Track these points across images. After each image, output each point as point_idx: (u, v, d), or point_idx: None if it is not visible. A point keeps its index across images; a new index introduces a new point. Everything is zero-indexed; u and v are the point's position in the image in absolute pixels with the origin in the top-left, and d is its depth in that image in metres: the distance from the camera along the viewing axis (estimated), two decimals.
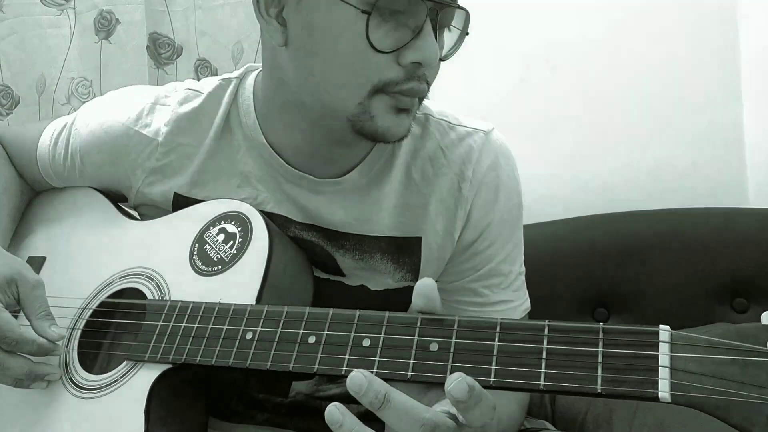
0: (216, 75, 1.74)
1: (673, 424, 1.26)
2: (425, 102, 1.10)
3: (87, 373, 0.95)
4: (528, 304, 1.11)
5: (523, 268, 1.11)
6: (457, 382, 0.64)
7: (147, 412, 0.84)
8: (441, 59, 0.93)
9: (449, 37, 0.95)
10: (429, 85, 0.94)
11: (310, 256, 1.04)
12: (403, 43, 0.88)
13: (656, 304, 1.65)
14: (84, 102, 1.76)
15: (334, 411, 0.67)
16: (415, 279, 1.05)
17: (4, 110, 1.78)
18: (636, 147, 1.83)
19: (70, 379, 0.95)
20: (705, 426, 1.17)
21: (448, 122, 1.07)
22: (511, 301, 1.08)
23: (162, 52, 1.80)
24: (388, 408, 0.66)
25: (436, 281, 1.07)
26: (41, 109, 1.79)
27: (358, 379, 0.67)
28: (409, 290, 1.04)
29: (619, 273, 1.68)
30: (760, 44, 1.76)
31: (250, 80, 1.07)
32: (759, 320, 1.57)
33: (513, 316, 1.06)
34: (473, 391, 0.64)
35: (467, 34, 0.95)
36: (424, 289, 0.75)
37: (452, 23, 0.94)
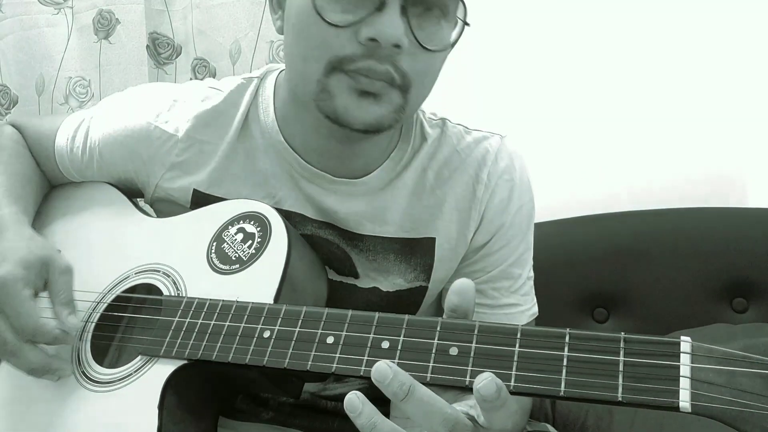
0: (214, 75, 1.76)
1: (672, 428, 1.27)
2: (435, 108, 1.10)
3: (100, 367, 0.95)
4: (535, 309, 1.12)
5: (532, 273, 1.12)
6: (486, 381, 0.65)
7: (161, 407, 0.85)
8: (427, 48, 0.89)
9: (447, 27, 0.92)
10: (402, 71, 0.89)
11: (326, 256, 1.04)
12: (361, 18, 0.86)
13: (656, 304, 1.66)
14: (82, 102, 1.77)
15: (354, 399, 0.67)
16: (428, 279, 1.06)
17: (2, 110, 1.77)
18: (636, 147, 1.83)
19: (83, 373, 0.95)
20: (705, 429, 1.19)
21: (465, 127, 1.08)
22: (519, 305, 1.09)
23: (161, 52, 1.79)
24: (412, 399, 0.67)
25: (447, 282, 1.08)
26: (41, 109, 1.78)
27: (383, 369, 0.67)
28: (421, 290, 1.06)
29: (619, 273, 1.69)
30: (759, 43, 1.77)
31: (271, 79, 1.08)
32: (758, 320, 1.58)
33: (520, 320, 1.07)
34: (501, 392, 0.65)
35: (467, 24, 0.92)
36: (463, 287, 0.74)
37: (441, 8, 0.90)
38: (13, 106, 1.78)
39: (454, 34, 0.93)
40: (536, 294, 1.13)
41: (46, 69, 1.78)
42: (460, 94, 1.78)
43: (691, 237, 1.70)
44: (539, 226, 1.70)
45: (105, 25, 1.75)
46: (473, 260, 1.07)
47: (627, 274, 1.68)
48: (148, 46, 1.77)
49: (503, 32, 1.80)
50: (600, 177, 1.85)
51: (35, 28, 1.76)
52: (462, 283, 0.74)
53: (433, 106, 1.10)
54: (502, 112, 1.73)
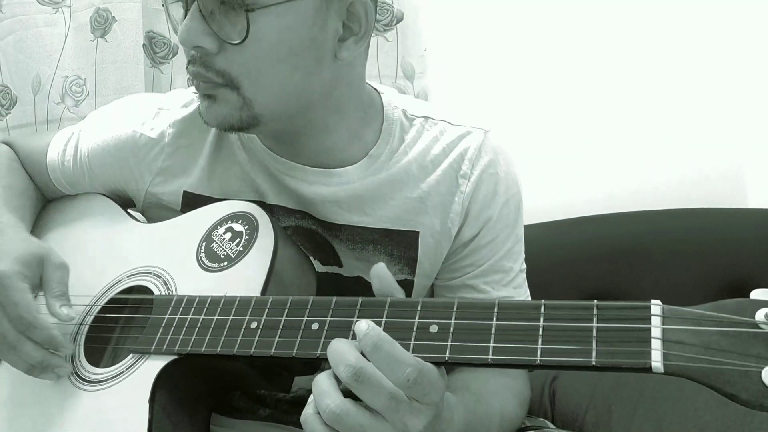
0: None
1: (672, 424, 1.27)
2: (423, 104, 1.12)
3: (93, 367, 0.96)
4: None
5: (524, 266, 1.13)
6: (362, 320, 0.71)
7: (151, 401, 0.85)
8: (230, 42, 0.89)
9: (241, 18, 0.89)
10: (219, 70, 0.91)
11: (310, 246, 1.06)
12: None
13: None
14: (78, 101, 1.77)
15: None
16: (413, 273, 1.06)
17: (3, 110, 1.78)
18: (635, 147, 1.84)
19: (76, 373, 0.96)
20: (705, 426, 1.18)
21: (448, 122, 1.08)
22: (512, 297, 1.09)
23: (158, 51, 1.79)
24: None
25: (436, 278, 1.09)
26: (37, 108, 1.79)
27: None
28: (406, 284, 1.06)
29: (619, 273, 1.68)
30: (758, 42, 1.78)
31: None
32: None
33: None
34: (370, 332, 0.70)
35: (248, 10, 0.87)
36: (378, 271, 0.79)
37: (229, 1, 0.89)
38: (13, 107, 1.79)
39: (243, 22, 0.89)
40: (536, 295, 1.12)
41: (42, 68, 1.78)
42: (460, 96, 1.80)
43: (691, 237, 1.69)
44: (540, 227, 1.72)
45: (102, 24, 1.76)
46: (462, 255, 1.07)
47: (627, 274, 1.67)
48: (144, 45, 1.77)
49: (503, 32, 1.82)
50: (599, 177, 1.85)
51: (33, 27, 1.77)
52: (377, 267, 0.79)
53: (434, 106, 1.11)
54: (502, 113, 1.73)
